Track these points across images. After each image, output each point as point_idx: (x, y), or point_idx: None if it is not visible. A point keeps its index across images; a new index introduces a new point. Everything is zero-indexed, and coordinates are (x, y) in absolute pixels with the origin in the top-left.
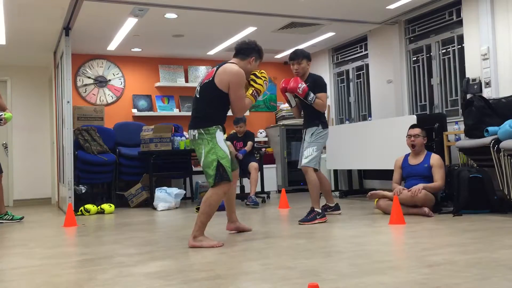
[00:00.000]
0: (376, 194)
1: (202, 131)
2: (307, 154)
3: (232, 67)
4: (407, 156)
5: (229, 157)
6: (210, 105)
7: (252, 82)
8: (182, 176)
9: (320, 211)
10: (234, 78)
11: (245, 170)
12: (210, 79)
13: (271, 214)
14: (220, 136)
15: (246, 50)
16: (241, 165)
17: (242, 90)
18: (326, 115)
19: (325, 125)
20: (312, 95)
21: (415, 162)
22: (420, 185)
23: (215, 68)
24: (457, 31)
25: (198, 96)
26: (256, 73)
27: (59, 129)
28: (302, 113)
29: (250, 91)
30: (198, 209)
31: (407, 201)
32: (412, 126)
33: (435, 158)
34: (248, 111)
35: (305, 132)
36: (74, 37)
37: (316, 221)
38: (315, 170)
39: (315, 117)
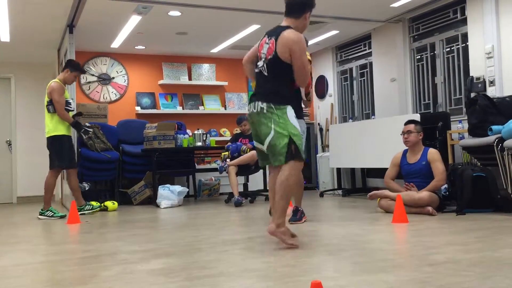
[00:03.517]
0: (377, 194)
1: (272, 106)
2: None
3: (290, 35)
4: (405, 152)
5: (301, 135)
6: (280, 81)
7: None
8: (185, 174)
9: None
10: (296, 46)
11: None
12: (274, 54)
13: None
14: (291, 112)
15: (300, 7)
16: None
17: (305, 55)
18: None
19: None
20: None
21: (413, 161)
22: (425, 193)
23: (273, 40)
24: (461, 30)
25: (266, 74)
26: None
27: None
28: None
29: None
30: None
31: (410, 203)
32: (407, 122)
33: (431, 153)
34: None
35: None
36: (78, 35)
37: (303, 220)
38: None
39: None
